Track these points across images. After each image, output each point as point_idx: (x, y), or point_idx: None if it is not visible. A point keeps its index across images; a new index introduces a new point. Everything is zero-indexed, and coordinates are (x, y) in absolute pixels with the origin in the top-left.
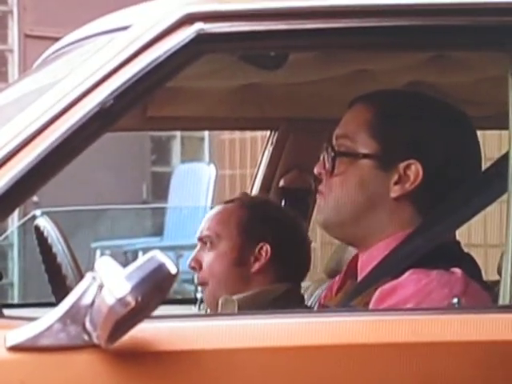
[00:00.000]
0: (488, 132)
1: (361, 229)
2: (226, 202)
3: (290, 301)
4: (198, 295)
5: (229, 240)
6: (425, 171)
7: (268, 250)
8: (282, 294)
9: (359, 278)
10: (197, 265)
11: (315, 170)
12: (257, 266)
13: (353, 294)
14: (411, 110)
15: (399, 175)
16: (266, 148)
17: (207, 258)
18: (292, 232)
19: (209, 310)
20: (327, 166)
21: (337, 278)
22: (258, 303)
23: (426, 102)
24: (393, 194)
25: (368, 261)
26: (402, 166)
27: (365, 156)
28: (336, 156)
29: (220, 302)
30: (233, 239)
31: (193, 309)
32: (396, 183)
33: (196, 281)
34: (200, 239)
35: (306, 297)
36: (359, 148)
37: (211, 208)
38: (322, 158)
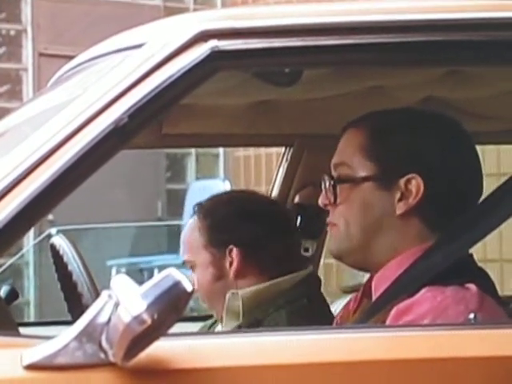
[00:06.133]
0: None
1: (372, 251)
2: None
3: (307, 289)
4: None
5: (201, 259)
6: (426, 183)
7: (235, 251)
8: (295, 284)
9: (374, 298)
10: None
11: (319, 202)
12: (232, 271)
13: (369, 313)
14: (403, 126)
15: (401, 191)
16: (280, 164)
17: (195, 280)
18: (253, 222)
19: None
20: (329, 196)
21: (353, 296)
22: (265, 297)
23: (418, 115)
24: (398, 211)
25: (381, 280)
26: (402, 181)
27: (364, 179)
28: (336, 184)
29: (227, 298)
30: (203, 256)
31: None
32: (400, 200)
33: None
34: (184, 264)
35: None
36: (357, 172)
37: None
38: (323, 188)
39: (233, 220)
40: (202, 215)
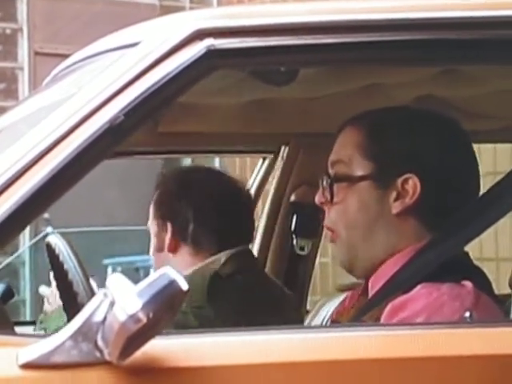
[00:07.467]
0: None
1: (369, 251)
2: None
3: (237, 270)
4: None
5: (151, 227)
6: (423, 183)
7: (169, 227)
8: (224, 265)
9: (370, 295)
10: None
11: (316, 200)
12: (166, 245)
13: (364, 309)
14: (401, 125)
15: (398, 191)
16: (274, 163)
17: None
18: (189, 201)
19: None
20: (326, 194)
21: (349, 293)
22: (200, 280)
23: (415, 114)
24: (394, 211)
25: (378, 278)
26: (399, 181)
27: (361, 178)
28: (333, 183)
29: None
30: (151, 224)
31: None
32: (396, 199)
33: None
34: None
35: (314, 311)
36: (355, 171)
37: None
38: (320, 186)
39: (171, 197)
40: (155, 187)
